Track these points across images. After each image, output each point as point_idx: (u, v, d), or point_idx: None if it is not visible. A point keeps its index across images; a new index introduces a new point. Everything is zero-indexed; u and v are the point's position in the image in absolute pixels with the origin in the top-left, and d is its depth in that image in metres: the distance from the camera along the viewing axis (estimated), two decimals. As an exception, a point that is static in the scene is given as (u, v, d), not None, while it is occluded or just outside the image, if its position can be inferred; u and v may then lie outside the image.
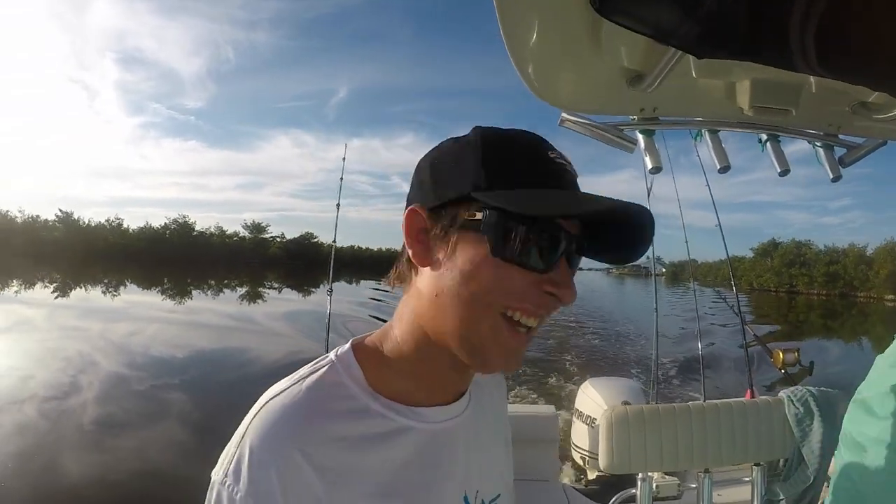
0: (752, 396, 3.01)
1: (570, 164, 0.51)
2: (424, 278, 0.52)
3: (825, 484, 1.69)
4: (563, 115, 1.12)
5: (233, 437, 0.49)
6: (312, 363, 0.54)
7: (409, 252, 0.51)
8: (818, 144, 1.48)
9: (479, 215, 0.47)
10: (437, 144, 0.55)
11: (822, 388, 1.73)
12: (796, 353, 2.39)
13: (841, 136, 1.46)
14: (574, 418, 3.57)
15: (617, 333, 14.62)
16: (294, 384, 0.51)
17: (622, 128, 1.20)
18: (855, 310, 37.31)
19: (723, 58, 0.39)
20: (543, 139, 0.52)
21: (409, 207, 0.51)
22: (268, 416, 0.48)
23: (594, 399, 3.37)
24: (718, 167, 1.33)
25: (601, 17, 0.42)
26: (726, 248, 4.23)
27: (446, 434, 0.55)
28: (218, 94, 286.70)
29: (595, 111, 1.15)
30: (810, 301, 44.77)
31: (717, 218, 4.03)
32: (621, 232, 0.50)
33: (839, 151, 1.50)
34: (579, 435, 3.48)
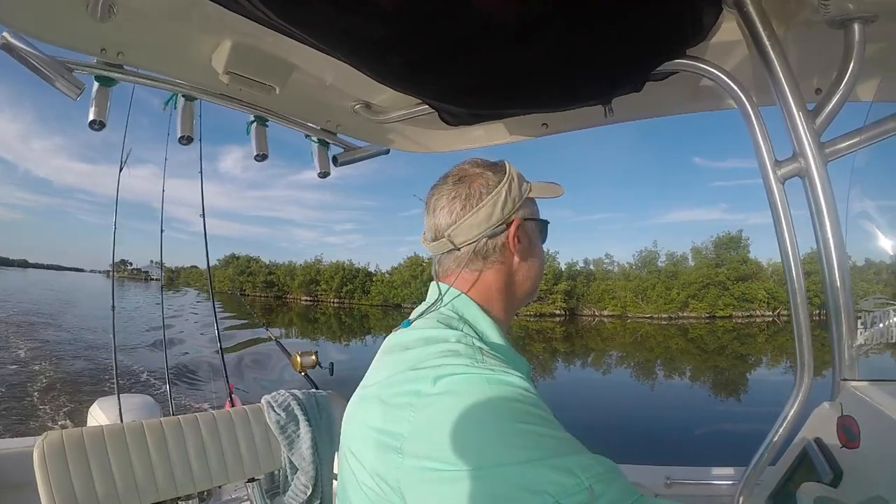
0: (234, 405, 2.89)
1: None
2: None
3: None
4: (6, 35, 0.90)
5: None
6: None
7: None
8: (314, 140, 1.49)
9: None
10: None
11: (307, 391, 1.69)
12: (314, 356, 2.34)
13: (341, 136, 1.49)
14: None
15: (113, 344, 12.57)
16: None
17: (75, 68, 1.02)
18: (285, 308, 48.81)
19: None
20: None
21: None
22: None
23: (103, 423, 2.83)
24: (179, 135, 1.26)
25: None
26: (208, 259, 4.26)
27: None
28: None
29: (48, 39, 0.93)
30: (254, 301, 57.48)
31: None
32: None
33: (336, 150, 1.54)
34: None
